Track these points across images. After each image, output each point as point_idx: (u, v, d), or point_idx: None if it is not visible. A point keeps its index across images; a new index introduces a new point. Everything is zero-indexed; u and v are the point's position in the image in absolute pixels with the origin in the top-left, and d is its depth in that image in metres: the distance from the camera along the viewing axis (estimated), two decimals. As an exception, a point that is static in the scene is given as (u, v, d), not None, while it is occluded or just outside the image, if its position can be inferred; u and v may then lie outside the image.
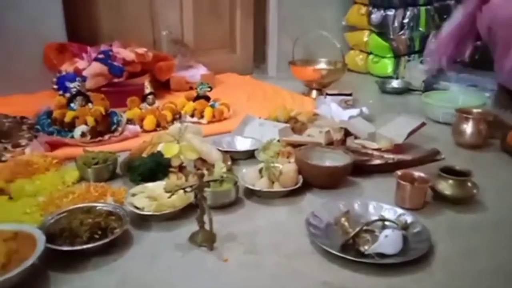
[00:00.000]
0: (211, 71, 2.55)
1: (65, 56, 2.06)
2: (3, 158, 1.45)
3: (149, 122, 1.75)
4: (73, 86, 1.70)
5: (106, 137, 1.64)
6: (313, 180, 1.27)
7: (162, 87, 2.33)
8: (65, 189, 1.27)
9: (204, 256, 0.99)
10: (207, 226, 1.02)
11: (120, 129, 1.69)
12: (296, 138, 1.48)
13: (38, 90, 2.11)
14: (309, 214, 1.09)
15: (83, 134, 1.59)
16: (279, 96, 2.31)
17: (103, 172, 1.34)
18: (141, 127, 1.75)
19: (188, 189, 1.01)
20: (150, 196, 1.13)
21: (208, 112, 1.86)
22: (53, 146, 1.55)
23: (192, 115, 1.88)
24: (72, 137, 1.59)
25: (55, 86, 1.71)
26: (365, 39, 2.82)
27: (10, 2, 2.01)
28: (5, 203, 1.19)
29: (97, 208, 1.07)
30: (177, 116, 1.86)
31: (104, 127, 1.65)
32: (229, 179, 1.19)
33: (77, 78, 1.73)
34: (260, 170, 1.27)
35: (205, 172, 1.15)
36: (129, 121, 1.76)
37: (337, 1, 2.97)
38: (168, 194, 1.10)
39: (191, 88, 2.38)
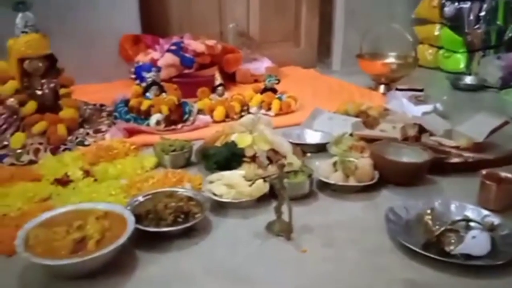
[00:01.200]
0: (275, 64, 2.56)
1: (140, 47, 2.14)
2: (86, 143, 1.54)
3: (219, 112, 1.78)
4: (149, 76, 1.76)
5: (179, 126, 1.69)
6: (390, 176, 1.24)
7: (228, 79, 2.37)
8: (145, 174, 1.33)
9: (282, 245, 0.99)
10: (284, 217, 1.03)
11: (191, 118, 1.74)
12: (370, 132, 1.45)
13: (114, 79, 2.22)
14: (388, 210, 1.07)
15: (157, 122, 1.65)
16: (345, 90, 2.28)
17: (179, 159, 1.39)
18: (211, 117, 1.78)
19: (268, 179, 1.02)
20: (227, 184, 1.15)
21: (275, 104, 1.87)
22: (131, 133, 1.62)
23: (260, 107, 1.89)
24: (148, 124, 1.66)
25: (133, 76, 1.79)
26: (436, 32, 2.70)
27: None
28: (92, 184, 1.26)
29: (178, 193, 1.11)
30: (245, 108, 1.88)
31: (177, 116, 1.70)
32: (305, 171, 1.19)
33: (153, 69, 1.80)
34: (334, 164, 1.26)
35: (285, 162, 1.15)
36: (200, 111, 1.81)
37: (407, -7, 2.87)
38: (245, 183, 1.13)
39: (255, 81, 2.41)
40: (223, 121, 1.79)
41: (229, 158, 1.31)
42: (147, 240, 0.98)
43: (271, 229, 1.04)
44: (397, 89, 2.04)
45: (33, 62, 1.52)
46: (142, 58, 2.04)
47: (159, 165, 1.40)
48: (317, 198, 1.20)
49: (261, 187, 1.13)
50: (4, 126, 1.54)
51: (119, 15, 2.19)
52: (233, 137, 1.40)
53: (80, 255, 0.85)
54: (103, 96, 1.95)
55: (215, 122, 1.77)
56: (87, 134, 1.60)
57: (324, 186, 1.24)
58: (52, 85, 1.59)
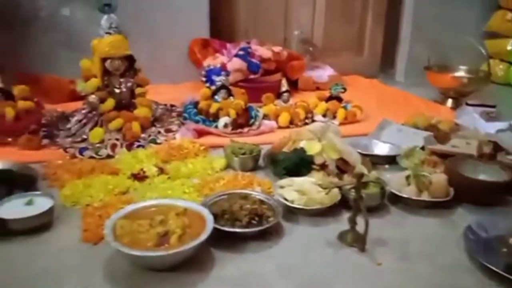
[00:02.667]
0: (338, 72, 2.54)
1: (208, 51, 2.21)
2: (158, 141, 1.60)
3: (283, 118, 1.80)
4: (219, 79, 1.81)
5: (245, 129, 1.72)
6: (466, 193, 1.20)
7: (290, 85, 2.38)
8: (215, 175, 1.37)
9: (355, 256, 0.99)
10: (357, 227, 1.02)
11: (257, 123, 1.77)
12: (444, 148, 1.41)
13: (181, 81, 2.29)
14: (467, 229, 1.04)
15: (225, 125, 1.69)
16: (410, 102, 2.23)
17: (248, 162, 1.41)
18: (276, 122, 1.80)
19: (345, 188, 1.01)
20: (299, 190, 1.16)
21: (341, 113, 1.86)
22: (200, 134, 1.67)
23: (324, 115, 1.89)
24: (216, 127, 1.70)
25: (204, 79, 1.85)
26: (509, 47, 2.58)
27: (162, 0, 2.20)
28: (166, 181, 1.31)
29: (252, 195, 1.13)
30: (309, 115, 1.88)
31: (244, 120, 1.73)
32: (380, 182, 1.17)
33: (222, 73, 1.84)
34: (407, 177, 1.23)
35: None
36: (265, 116, 1.83)
37: (478, 5, 2.77)
38: (316, 190, 1.14)
39: (317, 88, 2.41)
40: (287, 127, 1.80)
41: (298, 164, 1.32)
42: (221, 239, 1.01)
43: (344, 239, 1.03)
44: (467, 104, 1.98)
45: (114, 61, 1.60)
46: (210, 62, 2.09)
47: (228, 166, 1.44)
48: (389, 211, 1.19)
49: (333, 195, 1.13)
50: (84, 121, 1.64)
51: (190, 20, 2.26)
52: (302, 144, 1.41)
53: (165, 249, 0.88)
54: (171, 97, 2.02)
55: (279, 127, 1.79)
56: (159, 132, 1.67)
57: (395, 199, 1.22)
58: (129, 84, 1.67)
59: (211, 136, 1.68)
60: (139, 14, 2.04)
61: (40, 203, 1.09)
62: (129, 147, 1.54)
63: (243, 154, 1.41)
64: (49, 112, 1.68)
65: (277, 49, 2.18)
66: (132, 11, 1.72)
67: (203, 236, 0.91)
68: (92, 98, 1.59)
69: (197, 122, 1.73)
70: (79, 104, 1.87)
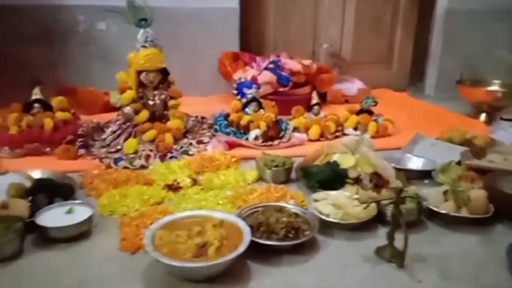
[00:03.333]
0: (366, 85, 2.53)
1: (238, 64, 2.23)
2: (190, 152, 1.62)
3: (314, 131, 1.80)
4: (250, 92, 1.83)
5: (276, 142, 1.72)
6: (507, 210, 1.16)
7: (319, 98, 2.38)
8: (247, 187, 1.37)
9: (394, 273, 0.97)
10: (395, 243, 1.01)
11: (287, 135, 1.77)
12: (482, 163, 1.37)
13: (211, 93, 2.33)
14: (509, 247, 1.01)
15: (256, 137, 1.70)
16: (442, 116, 2.19)
17: (280, 174, 1.41)
18: (307, 135, 1.80)
19: (383, 202, 1.00)
20: (334, 204, 1.15)
21: (372, 126, 1.85)
22: (231, 146, 1.68)
23: (355, 129, 1.88)
24: (247, 139, 1.71)
25: (235, 91, 1.87)
26: (544, 60, 2.52)
27: (194, 12, 2.24)
28: (200, 192, 1.33)
29: (286, 208, 1.13)
30: (339, 128, 1.88)
31: (274, 132, 1.74)
32: (420, 198, 1.15)
33: (253, 85, 1.86)
34: (445, 193, 1.21)
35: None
36: (295, 129, 1.83)
37: (510, 19, 2.72)
38: (352, 204, 1.13)
39: (346, 101, 2.40)
40: (318, 140, 1.80)
41: (331, 178, 1.31)
42: (257, 251, 1.01)
43: (382, 254, 1.02)
44: (502, 119, 1.93)
45: (149, 74, 1.64)
46: (240, 75, 2.11)
47: (260, 179, 1.44)
48: (426, 227, 1.16)
49: (369, 210, 1.12)
50: (118, 132, 1.67)
51: (221, 33, 2.30)
52: (335, 157, 1.40)
53: (204, 260, 0.89)
54: (200, 109, 2.04)
55: (310, 140, 1.79)
56: (190, 144, 1.69)
57: (432, 215, 1.20)
58: (163, 96, 1.71)
59: (242, 148, 1.69)
60: (174, 27, 2.09)
61: (80, 212, 1.12)
62: (162, 158, 1.56)
63: (276, 166, 1.41)
64: (85, 123, 1.72)
65: (307, 62, 2.19)
66: (167, 24, 1.76)
67: (241, 248, 0.91)
68: (128, 109, 1.62)
69: (228, 134, 1.75)
70: (112, 115, 1.93)
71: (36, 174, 1.30)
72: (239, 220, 1.03)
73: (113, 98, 2.04)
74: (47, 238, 1.06)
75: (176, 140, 1.66)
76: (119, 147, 1.61)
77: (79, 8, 2.06)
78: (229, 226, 1.01)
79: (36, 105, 1.65)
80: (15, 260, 0.99)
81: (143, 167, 1.51)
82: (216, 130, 1.79)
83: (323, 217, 1.12)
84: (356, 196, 1.15)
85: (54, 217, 1.09)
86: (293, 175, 1.45)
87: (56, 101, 1.68)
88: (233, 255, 0.89)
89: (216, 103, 2.20)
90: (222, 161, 1.53)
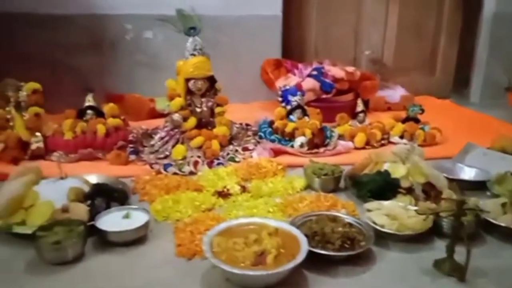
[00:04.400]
0: (409, 93, 2.49)
1: (280, 72, 2.24)
2: (237, 159, 1.64)
3: (360, 139, 1.78)
4: (295, 99, 1.83)
5: (321, 149, 1.72)
6: None
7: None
8: (296, 195, 1.37)
9: (455, 286, 0.95)
10: (455, 256, 0.98)
11: (332, 143, 1.76)
12: (541, 174, 1.32)
13: (252, 100, 2.34)
14: None
15: (301, 145, 1.70)
16: (490, 125, 2.13)
17: (329, 183, 1.40)
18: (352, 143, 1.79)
19: (442, 214, 0.98)
20: (389, 215, 1.14)
21: (419, 135, 1.81)
22: (276, 153, 1.69)
23: (401, 137, 1.85)
24: (292, 146, 1.71)
25: (279, 98, 1.87)
26: None
27: (237, 20, 2.27)
28: (250, 199, 1.34)
29: (340, 218, 1.12)
30: (385, 136, 1.85)
31: (320, 140, 1.73)
32: (477, 210, 1.12)
33: (298, 93, 1.86)
34: (503, 205, 1.17)
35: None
36: (340, 137, 1.82)
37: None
38: (407, 215, 1.11)
39: (389, 108, 2.37)
40: (363, 148, 1.78)
41: (383, 187, 1.29)
42: (311, 261, 1.00)
43: (441, 267, 0.99)
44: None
45: (197, 82, 1.67)
46: (282, 82, 2.12)
47: (308, 186, 1.44)
48: (485, 240, 1.13)
49: (426, 221, 1.09)
50: (166, 138, 1.71)
51: (263, 40, 2.32)
52: (386, 166, 1.38)
53: (263, 268, 0.89)
54: (242, 116, 2.06)
55: (355, 148, 1.77)
56: (236, 151, 1.70)
57: (490, 228, 1.16)
58: (210, 103, 1.73)
59: (287, 156, 1.69)
60: (217, 35, 2.12)
61: (136, 217, 1.15)
62: (210, 165, 1.58)
63: (325, 175, 1.40)
64: (135, 129, 1.77)
65: (350, 69, 2.18)
66: (211, 31, 1.79)
67: (300, 257, 0.91)
68: (177, 116, 1.66)
69: (272, 141, 1.75)
70: (157, 121, 1.97)
71: (91, 179, 1.35)
72: (294, 229, 1.03)
73: (159, 104, 2.09)
74: (106, 242, 1.09)
75: (222, 146, 1.68)
76: (167, 153, 1.65)
77: (127, 18, 2.13)
78: (284, 234, 1.02)
79: (89, 111, 1.71)
80: (77, 263, 1.03)
81: (191, 173, 1.54)
82: (260, 137, 1.80)
83: (377, 227, 1.11)
84: (412, 207, 1.13)
85: (112, 221, 1.13)
86: (341, 183, 1.44)
87: (107, 108, 1.74)
88: (293, 264, 0.89)
89: (257, 110, 2.22)
90: (269, 169, 1.53)
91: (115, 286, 0.95)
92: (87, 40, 2.11)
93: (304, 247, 0.95)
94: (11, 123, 1.62)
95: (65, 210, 1.14)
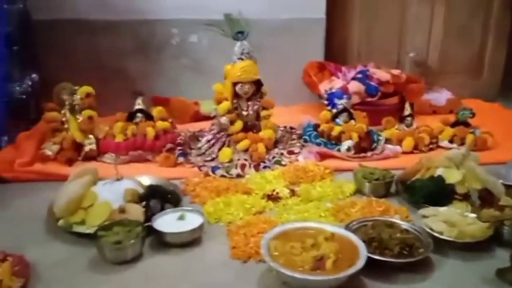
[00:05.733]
0: (455, 96, 2.42)
1: (324, 74, 2.22)
2: (283, 163, 1.64)
3: (408, 143, 1.74)
4: (341, 102, 1.81)
5: (369, 153, 1.69)
6: None
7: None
8: (347, 199, 1.36)
9: (522, 298, 0.91)
10: (520, 266, 0.95)
11: (379, 147, 1.73)
12: None
13: (294, 103, 2.33)
14: None
15: (348, 149, 1.68)
16: (545, 129, 2.04)
17: (380, 188, 1.38)
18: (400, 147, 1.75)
19: (506, 222, 0.95)
20: (447, 221, 1.11)
21: (470, 139, 1.76)
22: (322, 157, 1.67)
23: (451, 141, 1.80)
24: (339, 150, 1.69)
25: (325, 102, 1.86)
26: None
27: (280, 23, 2.27)
28: (300, 203, 1.33)
29: (396, 224, 1.10)
30: (433, 141, 1.81)
31: (367, 144, 1.71)
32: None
33: (344, 96, 1.84)
34: None
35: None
36: (387, 141, 1.79)
37: None
38: (466, 222, 1.08)
39: (434, 112, 2.31)
40: (411, 152, 1.74)
41: (437, 193, 1.27)
42: (368, 267, 0.99)
43: (505, 277, 0.96)
44: None
45: (244, 86, 1.68)
46: (326, 85, 2.10)
47: (357, 191, 1.42)
48: (549, 250, 1.08)
49: (486, 229, 1.06)
50: (213, 141, 1.73)
51: (306, 43, 2.30)
52: (439, 171, 1.35)
53: (322, 273, 0.89)
54: (284, 119, 2.04)
55: (403, 153, 1.74)
56: (282, 154, 1.70)
57: (554, 237, 1.11)
58: (256, 107, 1.74)
59: (334, 160, 1.67)
60: (262, 38, 2.12)
61: (191, 219, 1.17)
62: (256, 168, 1.59)
63: (376, 179, 1.38)
64: (182, 132, 1.80)
65: (396, 71, 2.14)
66: (252, 36, 1.80)
67: (360, 263, 0.91)
68: (224, 119, 1.67)
69: (318, 144, 1.74)
70: (201, 124, 2.00)
71: (143, 180, 1.38)
72: (351, 234, 1.02)
73: (203, 108, 2.12)
74: (163, 243, 1.12)
75: (267, 150, 1.69)
76: (214, 155, 1.66)
77: (174, 22, 2.17)
78: (340, 239, 1.01)
79: (138, 114, 1.75)
80: (136, 263, 1.05)
81: (239, 176, 1.55)
82: (305, 141, 1.79)
83: (435, 234, 1.08)
84: (471, 214, 1.10)
85: (167, 222, 1.15)
86: (392, 188, 1.41)
87: (156, 111, 1.77)
88: (354, 269, 0.89)
89: (299, 113, 2.20)
90: (316, 172, 1.52)
91: (175, 287, 0.97)
92: (135, 44, 2.16)
93: (363, 252, 0.94)
94: (65, 126, 1.68)
95: (122, 211, 1.18)
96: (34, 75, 1.88)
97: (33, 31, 1.94)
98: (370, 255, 0.97)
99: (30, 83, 1.83)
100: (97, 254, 1.06)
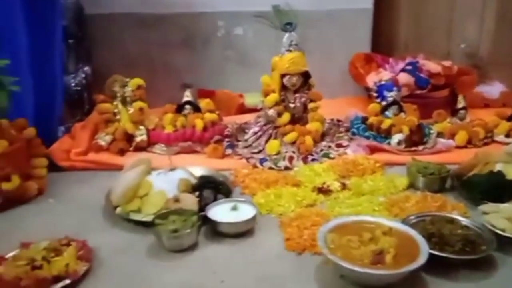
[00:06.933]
0: (508, 89, 2.31)
1: (371, 66, 2.18)
2: (331, 155, 1.62)
3: (461, 137, 1.69)
4: (391, 95, 1.77)
5: (420, 147, 1.65)
6: None
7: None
8: (400, 194, 1.33)
9: None
10: None
11: (431, 141, 1.68)
12: None
13: (338, 95, 2.30)
14: None
15: (399, 142, 1.64)
16: None
17: (435, 182, 1.34)
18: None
19: None
20: (509, 218, 1.06)
21: (528, 134, 1.68)
22: (372, 150, 1.64)
23: (507, 135, 1.72)
24: (389, 143, 1.66)
25: (374, 94, 1.83)
26: None
27: (326, 14, 2.23)
28: (352, 197, 1.32)
29: (457, 220, 1.07)
30: (488, 135, 1.74)
31: (418, 137, 1.66)
32: None
33: (394, 88, 1.80)
34: None
35: None
36: (438, 134, 1.73)
37: None
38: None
39: (486, 105, 2.22)
40: (465, 147, 1.68)
41: (497, 189, 1.22)
42: (427, 263, 0.96)
43: None
44: None
45: (292, 77, 1.67)
46: (373, 77, 2.06)
47: (410, 186, 1.39)
48: None
49: (554, 227, 1.01)
50: (259, 133, 1.73)
51: (353, 34, 2.26)
52: (499, 167, 1.30)
53: (382, 268, 0.88)
54: (329, 111, 2.00)
55: (456, 147, 1.68)
56: (329, 147, 1.69)
57: None
58: (303, 99, 1.73)
59: (384, 153, 1.64)
60: (307, 29, 2.09)
61: (244, 209, 1.18)
62: (304, 160, 1.58)
63: (431, 174, 1.34)
64: (230, 124, 1.81)
65: (447, 63, 2.06)
66: (301, 27, 1.78)
67: (422, 258, 0.88)
68: (272, 112, 1.67)
69: (367, 138, 1.71)
70: (246, 116, 2.00)
71: (194, 171, 1.39)
72: (410, 229, 1.00)
73: (248, 100, 2.12)
74: (217, 232, 1.13)
75: (315, 142, 1.67)
76: (260, 147, 1.67)
77: (219, 15, 2.18)
78: (398, 234, 0.99)
79: (187, 106, 1.78)
80: (192, 251, 1.07)
81: (287, 168, 1.54)
82: (353, 134, 1.76)
83: (498, 231, 1.04)
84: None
85: (221, 213, 1.16)
86: (447, 183, 1.37)
87: (204, 103, 1.80)
88: (417, 264, 0.87)
89: (344, 106, 2.16)
90: (366, 166, 1.50)
91: (232, 276, 0.98)
92: (182, 37, 2.19)
93: (425, 248, 0.92)
94: (117, 117, 1.73)
95: (176, 200, 1.20)
96: (86, 68, 1.95)
97: (86, 25, 2.00)
98: (431, 251, 0.95)
99: (83, 75, 1.89)
100: (154, 241, 1.09)
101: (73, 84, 1.81)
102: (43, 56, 1.52)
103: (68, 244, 1.03)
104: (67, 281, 0.93)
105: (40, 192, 1.37)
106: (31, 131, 1.38)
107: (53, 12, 1.54)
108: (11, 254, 1.01)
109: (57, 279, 0.93)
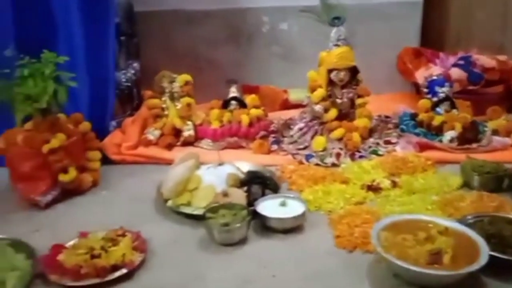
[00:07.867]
0: None
1: (420, 61, 2.11)
2: (380, 152, 1.59)
3: (520, 136, 1.61)
4: (442, 91, 1.71)
5: (474, 145, 1.58)
6: None
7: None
8: (454, 193, 1.29)
9: None
10: None
11: (485, 139, 1.61)
12: None
13: (385, 91, 2.24)
14: None
15: (452, 140, 1.59)
16: None
17: (491, 182, 1.29)
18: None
19: None
20: None
21: None
22: (422, 147, 1.60)
23: None
24: (440, 141, 1.60)
25: (425, 90, 1.77)
26: None
27: (374, 7, 2.18)
28: (403, 195, 1.28)
29: (517, 221, 1.02)
30: (549, 133, 1.65)
31: (472, 135, 1.60)
32: None
33: (446, 84, 1.74)
34: None
35: None
36: (493, 132, 1.66)
37: None
38: None
39: (544, 102, 2.10)
40: (523, 145, 1.61)
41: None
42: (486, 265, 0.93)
43: None
44: None
45: (340, 73, 1.65)
46: (423, 73, 1.99)
47: (464, 184, 1.34)
48: None
49: None
50: (305, 129, 1.72)
51: (401, 29, 2.20)
52: None
53: (441, 268, 0.85)
54: (375, 107, 1.95)
55: (513, 146, 1.61)
56: (378, 144, 1.65)
57: None
58: (350, 95, 1.70)
59: (435, 151, 1.59)
60: (355, 24, 2.06)
61: (293, 205, 1.17)
62: (352, 157, 1.56)
63: (487, 173, 1.29)
64: (275, 120, 1.81)
65: (502, 57, 1.97)
66: (349, 21, 1.75)
67: (482, 260, 0.85)
68: (318, 107, 1.65)
69: (417, 134, 1.66)
70: (290, 112, 1.99)
71: (241, 166, 1.40)
72: (468, 229, 0.96)
73: (292, 96, 2.11)
74: (266, 228, 1.13)
75: (362, 139, 1.64)
76: (306, 144, 1.65)
77: (265, 10, 2.17)
78: (456, 234, 0.96)
79: (233, 102, 1.79)
80: (242, 245, 1.08)
81: (334, 165, 1.52)
82: (402, 130, 1.71)
83: None
84: None
85: (269, 208, 1.17)
86: (504, 183, 1.31)
87: (249, 99, 1.80)
88: (477, 266, 0.84)
89: (392, 102, 2.11)
90: (416, 164, 1.46)
91: (282, 271, 0.99)
92: (226, 33, 2.20)
93: (485, 249, 0.88)
94: (166, 112, 1.76)
95: (225, 194, 1.21)
96: (135, 64, 2.00)
97: (135, 21, 2.05)
98: (492, 253, 0.91)
99: (133, 71, 1.94)
100: (204, 234, 1.10)
101: (123, 80, 1.86)
102: (98, 53, 1.58)
103: (123, 235, 1.06)
104: (124, 271, 0.96)
105: (94, 184, 1.42)
106: (86, 126, 1.44)
107: (108, 10, 1.59)
108: (71, 242, 1.05)
109: (114, 268, 0.96)
